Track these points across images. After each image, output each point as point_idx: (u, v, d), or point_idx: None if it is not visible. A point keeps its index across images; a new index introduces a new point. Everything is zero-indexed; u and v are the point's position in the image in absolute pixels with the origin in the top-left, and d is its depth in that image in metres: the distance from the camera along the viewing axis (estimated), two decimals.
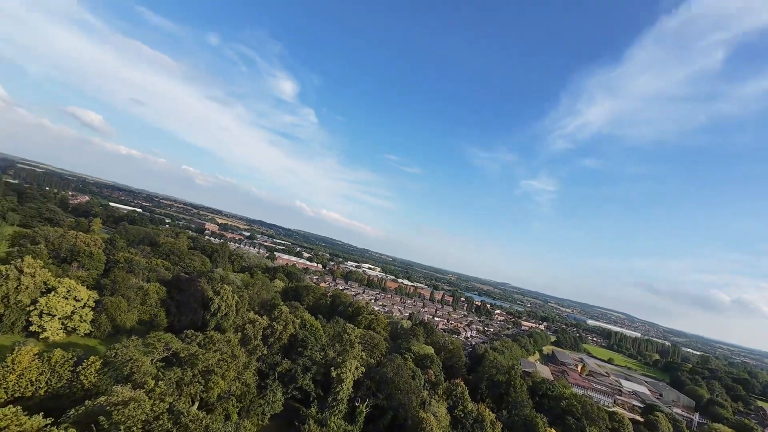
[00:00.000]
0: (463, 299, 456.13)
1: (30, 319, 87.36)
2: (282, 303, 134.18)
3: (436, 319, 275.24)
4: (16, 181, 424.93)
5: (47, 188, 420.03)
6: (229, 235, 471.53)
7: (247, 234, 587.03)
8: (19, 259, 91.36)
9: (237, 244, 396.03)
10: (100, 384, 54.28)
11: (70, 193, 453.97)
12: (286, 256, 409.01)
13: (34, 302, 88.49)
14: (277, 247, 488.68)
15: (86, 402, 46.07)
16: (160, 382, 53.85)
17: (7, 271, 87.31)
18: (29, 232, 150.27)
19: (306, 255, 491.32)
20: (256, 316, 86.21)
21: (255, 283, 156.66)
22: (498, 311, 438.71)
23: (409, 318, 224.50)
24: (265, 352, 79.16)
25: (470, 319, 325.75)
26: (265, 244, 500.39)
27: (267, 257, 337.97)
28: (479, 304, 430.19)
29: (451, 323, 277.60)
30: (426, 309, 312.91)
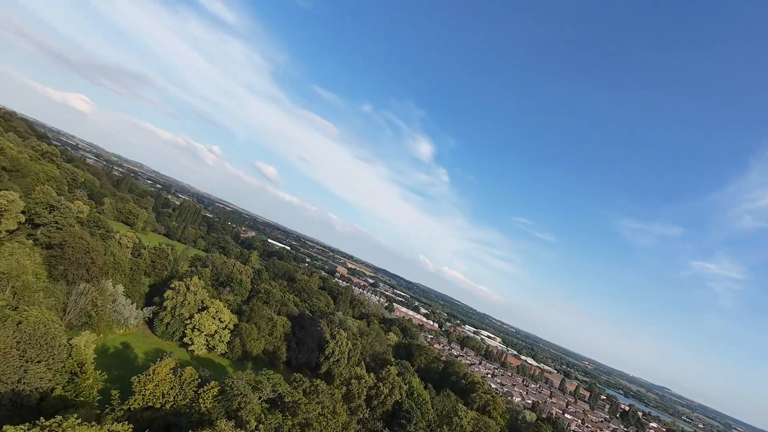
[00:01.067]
0: (603, 397, 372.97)
1: (185, 331, 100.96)
2: (393, 360, 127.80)
3: (567, 416, 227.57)
4: (211, 216, 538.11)
5: (229, 223, 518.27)
6: (356, 280, 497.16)
7: (371, 281, 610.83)
8: (189, 278, 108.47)
9: (361, 290, 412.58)
10: (213, 411, 55.43)
11: (242, 228, 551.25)
12: (403, 309, 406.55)
13: (190, 317, 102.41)
14: (397, 297, 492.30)
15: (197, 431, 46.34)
16: (260, 425, 52.31)
17: (178, 286, 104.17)
18: (204, 255, 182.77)
19: (423, 311, 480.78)
20: (364, 372, 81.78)
21: (370, 332, 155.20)
22: (654, 425, 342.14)
23: (533, 408, 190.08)
24: (366, 415, 73.00)
25: (614, 427, 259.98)
26: (386, 293, 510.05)
27: (386, 306, 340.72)
28: (626, 408, 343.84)
29: (588, 427, 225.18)
30: (554, 400, 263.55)
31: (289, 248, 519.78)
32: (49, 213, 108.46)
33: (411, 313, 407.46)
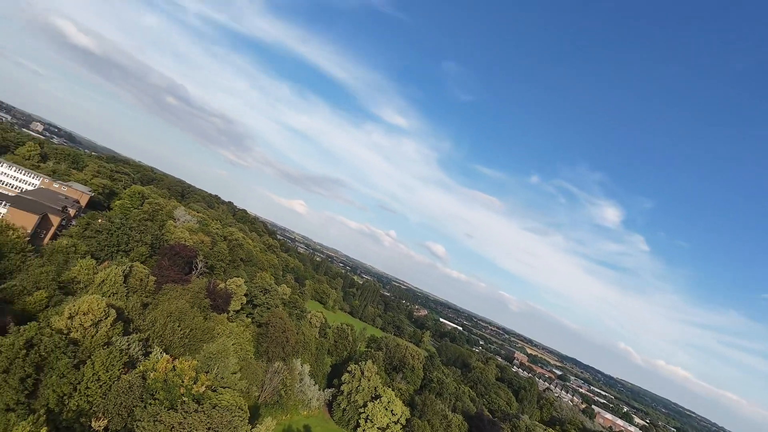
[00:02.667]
0: None
1: (359, 420, 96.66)
2: None
3: None
4: (388, 294, 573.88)
5: (403, 301, 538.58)
6: (538, 370, 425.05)
7: (559, 372, 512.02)
8: (364, 362, 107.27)
9: (546, 383, 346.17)
10: None
11: (415, 306, 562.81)
12: (609, 415, 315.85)
13: (364, 405, 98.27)
14: (596, 398, 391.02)
15: None
16: None
17: (354, 370, 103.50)
18: (380, 335, 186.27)
19: (638, 421, 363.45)
20: None
21: None
22: None
23: None
24: None
25: None
26: (581, 390, 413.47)
27: (583, 409, 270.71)
28: None
29: None
30: None
31: (461, 328, 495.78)
32: (264, 295, 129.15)
33: (620, 422, 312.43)
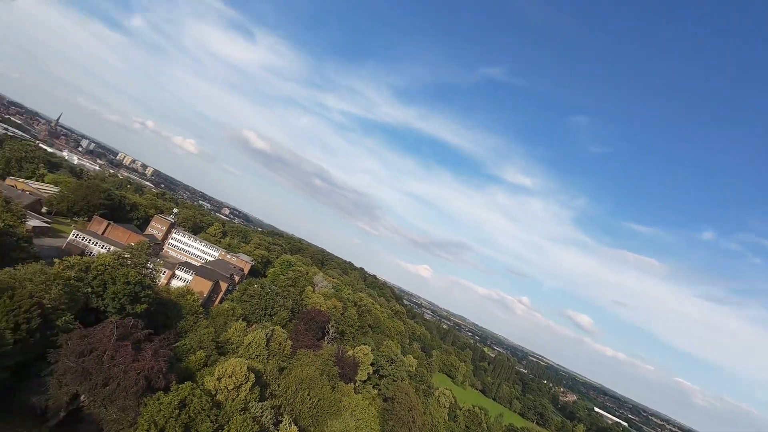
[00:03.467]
0: None
1: None
2: None
3: None
4: (525, 371, 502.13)
5: (545, 381, 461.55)
6: None
7: None
8: None
9: None
10: None
11: (560, 389, 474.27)
12: None
13: None
14: None
15: None
16: None
17: None
18: (518, 422, 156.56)
19: None
20: None
21: None
22: None
23: None
24: None
25: None
26: None
27: None
28: None
29: None
30: None
31: (625, 424, 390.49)
32: (390, 365, 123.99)
33: None
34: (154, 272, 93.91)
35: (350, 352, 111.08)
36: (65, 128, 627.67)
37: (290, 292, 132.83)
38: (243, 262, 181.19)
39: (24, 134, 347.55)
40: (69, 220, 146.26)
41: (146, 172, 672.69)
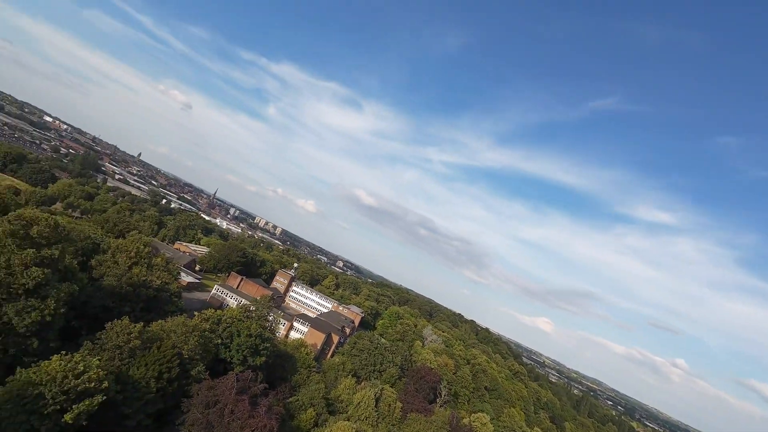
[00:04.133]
0: None
1: None
2: None
3: None
4: None
5: None
6: None
7: None
8: None
9: None
10: None
11: None
12: None
13: None
14: None
15: None
16: None
17: None
18: None
19: None
20: None
21: None
22: None
23: None
24: None
25: None
26: None
27: None
28: None
29: None
30: None
31: None
32: None
33: None
34: (274, 324, 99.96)
35: (466, 420, 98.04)
36: (219, 200, 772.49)
37: (399, 347, 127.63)
38: (354, 313, 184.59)
39: (191, 207, 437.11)
40: (214, 276, 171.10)
41: (276, 231, 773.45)
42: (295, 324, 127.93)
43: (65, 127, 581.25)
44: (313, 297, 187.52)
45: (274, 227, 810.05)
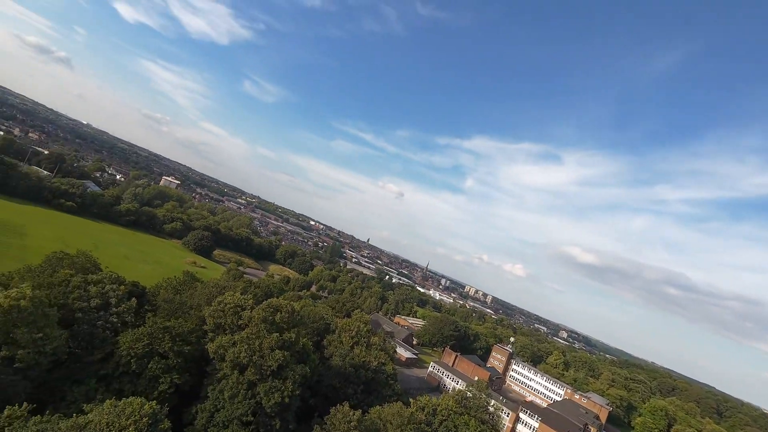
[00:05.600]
0: None
1: None
2: None
3: None
4: None
5: None
6: None
7: None
8: None
9: None
10: None
11: None
12: None
13: None
14: None
15: None
16: None
17: None
18: None
19: None
20: None
21: None
22: None
23: None
24: None
25: None
26: None
27: None
28: None
29: None
30: None
31: None
32: None
33: None
34: (495, 416, 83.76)
35: None
36: (431, 272, 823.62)
37: None
38: (596, 405, 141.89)
39: (408, 280, 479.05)
40: (431, 350, 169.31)
41: (486, 300, 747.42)
42: (521, 415, 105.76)
43: (321, 226, 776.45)
44: (538, 379, 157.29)
45: (485, 295, 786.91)
